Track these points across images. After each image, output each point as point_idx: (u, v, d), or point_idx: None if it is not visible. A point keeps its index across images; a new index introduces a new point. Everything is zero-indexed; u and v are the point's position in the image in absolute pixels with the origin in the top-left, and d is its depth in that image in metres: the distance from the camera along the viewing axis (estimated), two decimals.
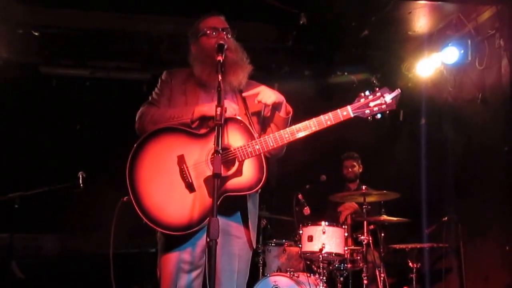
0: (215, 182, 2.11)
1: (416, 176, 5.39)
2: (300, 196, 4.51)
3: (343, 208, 5.27)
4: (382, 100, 2.38)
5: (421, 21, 5.16)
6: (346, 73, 6.11)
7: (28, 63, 5.76)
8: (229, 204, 2.40)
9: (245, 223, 2.53)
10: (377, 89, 2.41)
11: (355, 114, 2.38)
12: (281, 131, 2.40)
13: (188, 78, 2.65)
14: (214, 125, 2.23)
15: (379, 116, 2.40)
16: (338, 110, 2.38)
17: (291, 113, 2.58)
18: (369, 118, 2.40)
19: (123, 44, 5.53)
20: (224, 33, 2.62)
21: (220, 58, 2.43)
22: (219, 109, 2.21)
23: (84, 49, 5.65)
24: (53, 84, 5.91)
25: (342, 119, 2.38)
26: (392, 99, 2.39)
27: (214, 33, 2.62)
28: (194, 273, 2.44)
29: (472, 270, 4.82)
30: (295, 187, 4.67)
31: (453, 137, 5.27)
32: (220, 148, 2.16)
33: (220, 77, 2.34)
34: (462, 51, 4.94)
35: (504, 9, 4.60)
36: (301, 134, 2.38)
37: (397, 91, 2.40)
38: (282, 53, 5.71)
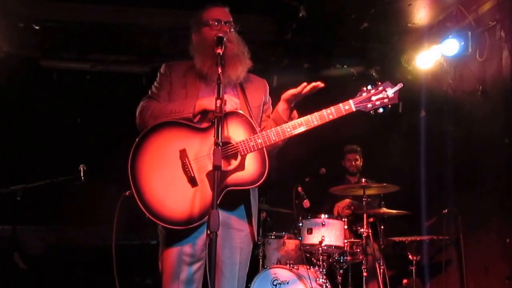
0: (215, 174, 2.12)
1: (416, 169, 5.39)
2: (299, 188, 4.51)
3: (336, 207, 5.29)
4: (384, 94, 2.39)
5: (421, 13, 5.13)
6: (345, 66, 6.10)
7: (28, 56, 5.77)
8: (231, 198, 2.41)
9: (248, 216, 2.55)
10: (379, 83, 2.42)
11: (357, 108, 2.39)
12: (283, 125, 2.41)
13: (188, 70, 2.64)
14: (213, 118, 2.24)
15: (381, 110, 2.40)
16: (340, 104, 2.39)
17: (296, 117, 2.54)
18: (371, 112, 2.41)
19: (123, 37, 5.53)
20: (227, 26, 2.61)
21: (219, 50, 2.42)
22: (218, 101, 2.22)
23: (84, 42, 5.66)
24: (54, 78, 5.93)
25: (344, 113, 2.38)
26: (394, 93, 2.40)
27: (216, 25, 2.61)
28: (196, 266, 2.46)
29: (472, 262, 4.82)
30: (294, 180, 4.67)
31: (453, 129, 5.26)
32: (220, 140, 2.17)
33: (220, 70, 2.34)
34: (463, 43, 4.91)
35: (504, 0, 4.57)
36: (303, 129, 2.39)
37: (399, 85, 2.41)
38: (281, 46, 5.69)
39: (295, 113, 2.58)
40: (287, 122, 2.51)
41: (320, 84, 2.45)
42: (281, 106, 2.56)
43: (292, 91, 2.51)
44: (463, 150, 5.07)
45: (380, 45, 5.80)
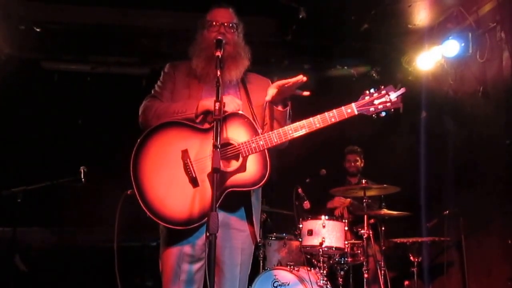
0: (214, 176, 2.13)
1: (416, 170, 5.38)
2: (300, 190, 4.51)
3: (337, 204, 5.27)
4: (387, 98, 2.39)
5: (421, 14, 5.14)
6: (346, 67, 6.10)
7: (30, 58, 5.80)
8: (233, 199, 2.41)
9: (249, 217, 2.55)
10: (382, 86, 2.42)
11: (359, 112, 2.39)
12: (285, 127, 2.41)
13: (192, 71, 2.64)
14: (212, 121, 2.24)
15: (383, 114, 2.40)
16: (343, 108, 2.39)
17: (288, 106, 2.58)
18: (373, 116, 2.40)
19: (123, 39, 5.55)
20: (226, 27, 2.61)
21: (219, 53, 2.42)
22: (217, 104, 2.22)
23: (85, 44, 5.68)
24: (55, 79, 5.95)
25: (346, 116, 2.39)
26: (397, 97, 2.39)
27: (214, 27, 2.61)
28: (196, 266, 2.46)
29: (474, 264, 4.80)
30: (295, 181, 4.67)
31: (454, 130, 5.25)
32: (218, 143, 2.17)
33: (219, 72, 2.34)
34: (463, 44, 4.91)
35: (505, 1, 4.55)
36: (305, 131, 2.40)
37: (402, 90, 2.40)
38: (281, 47, 5.70)
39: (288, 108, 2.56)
40: (281, 111, 2.50)
41: (303, 78, 2.44)
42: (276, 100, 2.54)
43: (281, 82, 2.47)
44: (464, 151, 5.06)
45: (381, 46, 5.80)
